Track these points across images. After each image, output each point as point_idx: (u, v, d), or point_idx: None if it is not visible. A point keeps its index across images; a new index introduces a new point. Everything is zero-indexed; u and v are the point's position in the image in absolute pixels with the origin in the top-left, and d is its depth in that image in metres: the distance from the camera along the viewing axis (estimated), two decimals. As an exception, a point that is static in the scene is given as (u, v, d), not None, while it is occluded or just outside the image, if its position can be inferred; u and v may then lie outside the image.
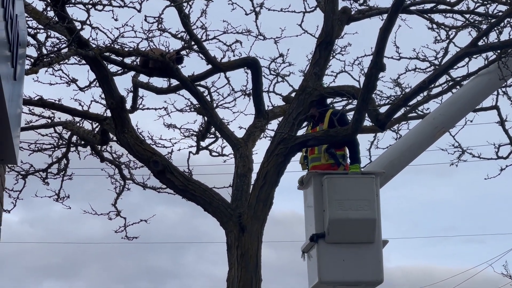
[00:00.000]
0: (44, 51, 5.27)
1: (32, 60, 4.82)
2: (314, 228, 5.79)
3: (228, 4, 7.09)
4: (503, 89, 7.44)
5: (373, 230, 5.77)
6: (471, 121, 7.74)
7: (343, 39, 7.34)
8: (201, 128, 7.77)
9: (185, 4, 6.50)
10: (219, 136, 7.40)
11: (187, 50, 6.91)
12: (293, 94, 7.28)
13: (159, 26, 6.25)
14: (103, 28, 6.12)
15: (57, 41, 6.00)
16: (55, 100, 6.75)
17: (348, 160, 6.11)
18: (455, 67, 6.29)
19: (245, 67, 7.03)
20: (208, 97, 7.57)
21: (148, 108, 7.49)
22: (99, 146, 7.72)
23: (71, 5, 5.98)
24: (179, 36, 6.57)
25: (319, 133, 6.08)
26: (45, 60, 4.81)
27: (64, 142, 7.68)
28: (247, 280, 6.04)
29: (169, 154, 8.27)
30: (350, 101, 6.99)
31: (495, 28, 5.61)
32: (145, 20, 6.15)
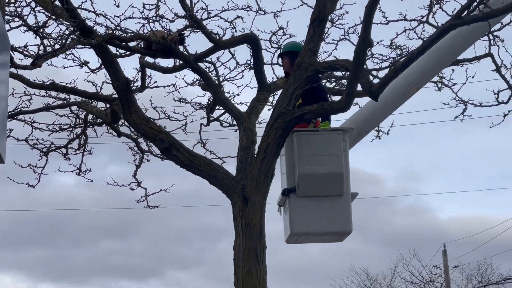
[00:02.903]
0: (47, 43, 5.61)
1: (32, 57, 5.14)
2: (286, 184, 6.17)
3: (228, -19, 7.35)
4: (495, 34, 7.64)
5: (341, 184, 6.12)
6: (473, 77, 7.99)
7: (341, 8, 7.62)
8: (209, 102, 8.11)
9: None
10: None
11: (190, 29, 7.21)
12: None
13: (157, 12, 6.54)
14: (105, 14, 6.43)
15: (63, 30, 6.34)
16: (66, 83, 7.13)
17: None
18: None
19: (246, 43, 7.28)
20: (214, 72, 7.91)
21: (157, 86, 7.85)
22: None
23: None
24: (176, 20, 6.84)
25: (315, 107, 6.37)
26: (48, 53, 5.14)
27: (81, 122, 8.11)
28: (251, 247, 6.40)
29: (183, 127, 8.69)
30: (344, 74, 7.23)
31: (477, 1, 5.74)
32: (143, 7, 6.45)
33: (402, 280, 29.48)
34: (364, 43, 5.80)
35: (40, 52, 5.34)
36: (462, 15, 5.73)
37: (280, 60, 7.42)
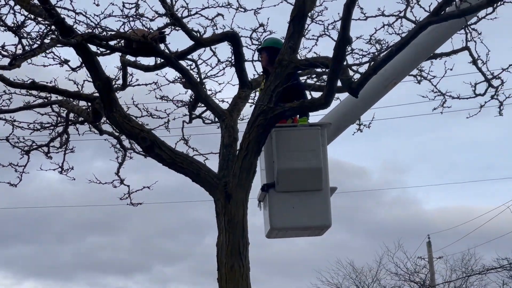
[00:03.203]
0: (25, 42, 5.59)
1: (11, 56, 5.11)
2: (265, 179, 6.25)
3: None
4: (472, 27, 7.77)
5: (320, 178, 6.22)
6: (451, 69, 8.14)
7: (321, 5, 7.69)
8: (191, 100, 8.13)
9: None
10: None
11: (171, 27, 7.22)
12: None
13: (137, 11, 6.55)
14: (85, 13, 6.43)
15: (42, 29, 6.32)
16: (47, 82, 7.11)
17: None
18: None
19: (226, 41, 7.30)
20: (196, 69, 7.94)
21: (138, 85, 7.85)
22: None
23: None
24: (156, 18, 6.86)
25: (296, 104, 6.43)
26: (26, 53, 5.13)
27: (62, 120, 8.09)
28: (234, 244, 6.44)
29: (166, 124, 8.71)
30: (325, 70, 7.28)
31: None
32: (123, 6, 6.45)
33: (388, 272, 29.71)
34: (343, 41, 5.85)
35: (19, 51, 5.30)
36: (439, 12, 5.80)
37: (259, 56, 7.48)
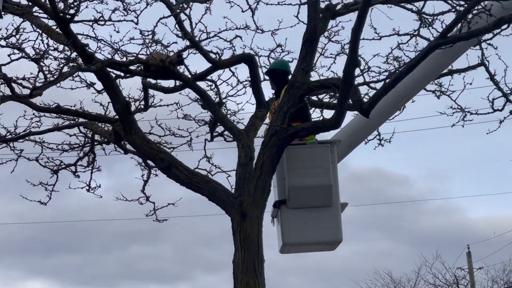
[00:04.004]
0: (47, 70, 5.90)
1: (29, 89, 5.40)
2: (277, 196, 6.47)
3: (226, 2, 7.60)
4: (486, 43, 7.80)
5: (330, 195, 6.39)
6: (471, 84, 8.19)
7: (337, 26, 7.86)
8: (211, 118, 8.34)
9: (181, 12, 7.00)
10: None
11: (189, 50, 7.46)
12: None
13: (153, 38, 6.81)
14: (106, 41, 6.73)
15: (64, 55, 6.64)
16: (71, 106, 7.43)
17: None
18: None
19: (243, 63, 7.51)
20: (215, 89, 8.16)
21: (160, 105, 8.11)
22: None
23: (75, 23, 6.57)
24: (171, 45, 7.11)
25: (308, 124, 6.62)
26: (47, 83, 5.42)
27: (89, 141, 8.41)
28: (250, 261, 6.61)
29: (188, 142, 8.94)
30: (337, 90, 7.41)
31: (462, 21, 5.91)
32: (141, 33, 6.73)
33: (426, 283, 29.40)
34: (353, 64, 6.00)
35: (40, 82, 5.60)
36: (447, 34, 5.90)
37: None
